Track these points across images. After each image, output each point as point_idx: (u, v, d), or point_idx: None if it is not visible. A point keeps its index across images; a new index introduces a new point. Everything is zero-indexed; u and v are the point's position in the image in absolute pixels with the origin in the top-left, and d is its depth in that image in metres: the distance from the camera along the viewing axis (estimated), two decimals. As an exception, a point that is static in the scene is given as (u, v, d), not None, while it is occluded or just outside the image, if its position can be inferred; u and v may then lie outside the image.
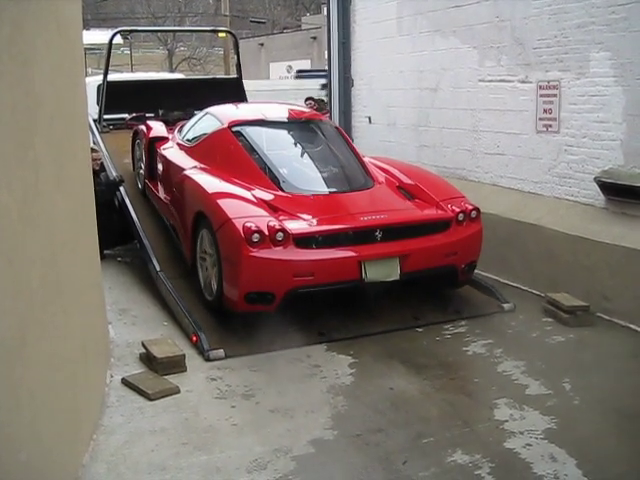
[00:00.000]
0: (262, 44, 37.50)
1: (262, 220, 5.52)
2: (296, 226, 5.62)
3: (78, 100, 4.77)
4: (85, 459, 3.98)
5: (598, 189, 6.44)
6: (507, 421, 4.39)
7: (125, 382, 4.98)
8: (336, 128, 7.46)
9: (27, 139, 3.29)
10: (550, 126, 7.05)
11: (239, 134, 6.79)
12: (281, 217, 5.68)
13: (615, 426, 4.33)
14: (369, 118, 10.33)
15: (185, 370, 5.16)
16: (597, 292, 6.21)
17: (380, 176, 6.71)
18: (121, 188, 8.14)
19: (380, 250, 5.75)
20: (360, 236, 5.75)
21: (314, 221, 5.78)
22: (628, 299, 5.97)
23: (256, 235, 5.39)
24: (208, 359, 5.37)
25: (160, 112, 10.60)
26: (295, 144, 7.03)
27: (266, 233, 5.42)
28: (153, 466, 3.93)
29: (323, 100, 14.17)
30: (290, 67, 33.97)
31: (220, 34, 14.78)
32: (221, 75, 26.34)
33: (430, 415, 4.50)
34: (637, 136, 6.12)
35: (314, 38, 34.06)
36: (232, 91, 11.22)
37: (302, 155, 6.86)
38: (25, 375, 3.12)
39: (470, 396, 4.78)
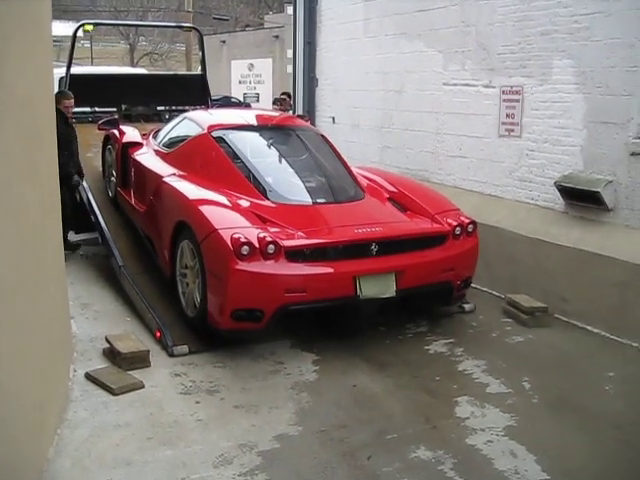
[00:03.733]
0: (224, 41, 37.26)
1: (251, 231, 5.20)
2: (287, 238, 5.30)
3: (47, 92, 4.74)
4: (50, 453, 3.96)
5: (558, 193, 6.60)
6: (468, 418, 4.49)
7: (89, 377, 4.95)
8: (322, 136, 7.13)
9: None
10: (512, 130, 7.20)
11: (221, 140, 6.50)
12: (270, 228, 5.36)
13: (572, 424, 4.45)
14: (333, 118, 10.42)
15: (149, 365, 5.14)
16: (555, 294, 6.36)
17: (369, 187, 6.47)
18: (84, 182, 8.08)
19: (376, 265, 5.44)
20: (355, 250, 5.45)
21: (305, 233, 5.44)
22: (585, 301, 6.14)
23: (245, 247, 5.06)
24: (172, 355, 5.35)
25: (123, 107, 10.53)
26: (280, 151, 6.73)
27: (256, 245, 5.09)
28: (118, 460, 3.93)
29: (284, 99, 14.15)
30: (252, 65, 33.86)
31: (185, 29, 14.66)
32: (186, 71, 26.29)
33: (393, 412, 4.57)
34: (596, 142, 6.28)
35: (276, 37, 33.92)
36: (196, 88, 11.20)
37: (288, 163, 6.55)
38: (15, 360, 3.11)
39: (432, 394, 4.85)
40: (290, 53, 32.79)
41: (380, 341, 5.76)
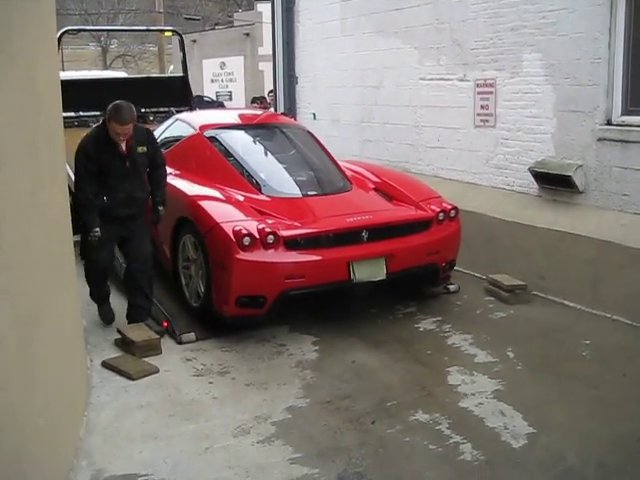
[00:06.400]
0: (194, 41, 37.35)
1: (251, 223, 5.57)
2: (285, 229, 5.66)
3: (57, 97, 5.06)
4: (81, 432, 4.32)
5: (532, 178, 7.05)
6: (460, 385, 4.93)
7: (105, 365, 5.30)
8: (308, 132, 7.51)
9: (31, 137, 3.64)
10: (487, 121, 7.64)
11: (213, 139, 6.86)
12: (268, 220, 5.71)
13: (553, 386, 4.90)
14: (314, 114, 10.78)
15: (161, 352, 5.48)
16: (533, 272, 6.80)
17: (355, 179, 6.86)
18: None
19: (367, 250, 5.83)
20: (347, 237, 5.82)
21: (301, 223, 5.82)
22: (561, 278, 6.59)
23: (247, 238, 5.42)
24: (180, 342, 5.70)
25: (107, 111, 10.81)
26: (271, 148, 7.10)
27: (257, 236, 5.45)
28: (146, 436, 4.30)
29: (265, 97, 14.51)
30: (223, 64, 34.04)
31: (166, 33, 14.95)
32: (167, 73, 26.50)
33: (391, 382, 4.99)
34: (566, 130, 6.75)
35: (247, 34, 34.08)
36: (178, 90, 11.49)
37: (279, 159, 6.91)
38: (39, 351, 3.47)
39: (425, 365, 5.29)
40: (262, 50, 32.94)
41: (373, 321, 6.17)
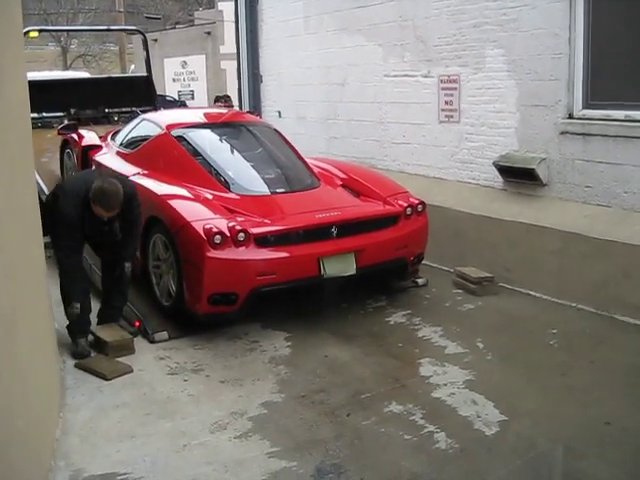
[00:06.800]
0: (156, 40, 37.04)
1: (221, 222, 5.60)
2: (255, 226, 5.69)
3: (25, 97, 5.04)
4: (57, 433, 4.32)
5: (497, 172, 7.18)
6: (432, 376, 5.02)
7: (79, 366, 5.28)
8: (275, 130, 7.53)
9: (3, 137, 3.63)
10: (451, 117, 7.76)
11: (180, 138, 6.88)
12: (238, 218, 5.75)
13: (522, 375, 5.02)
14: (279, 112, 10.83)
15: (134, 352, 5.50)
16: (500, 264, 6.93)
17: (323, 176, 6.91)
18: None
19: (337, 246, 5.90)
20: (317, 233, 5.88)
21: (271, 221, 5.87)
22: (526, 269, 6.73)
23: (217, 237, 5.45)
24: (153, 341, 5.70)
25: (72, 111, 10.77)
26: (237, 147, 7.11)
27: (227, 234, 5.49)
28: (123, 435, 4.31)
29: (229, 96, 14.45)
30: (185, 63, 33.89)
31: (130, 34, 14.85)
32: (131, 73, 26.31)
33: (364, 375, 5.06)
34: (529, 124, 6.89)
35: (208, 33, 33.93)
36: (142, 89, 11.47)
37: (246, 157, 6.93)
38: (18, 352, 3.47)
39: (397, 358, 5.37)
40: (223, 49, 32.77)
41: (344, 316, 6.24)
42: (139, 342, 5.69)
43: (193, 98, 32.82)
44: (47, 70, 25.85)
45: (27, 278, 3.94)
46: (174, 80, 34.02)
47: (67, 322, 5.60)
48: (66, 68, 35.87)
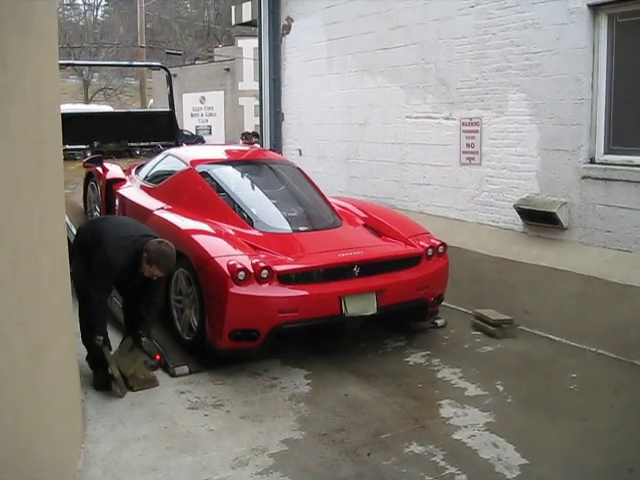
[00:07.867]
0: (175, 75, 37.63)
1: (245, 258, 5.64)
2: (278, 263, 5.74)
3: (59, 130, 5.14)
4: (79, 464, 4.34)
5: (517, 215, 7.22)
6: (452, 418, 5.02)
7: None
8: (298, 169, 7.63)
9: (38, 169, 3.72)
10: (473, 159, 7.82)
11: (205, 174, 6.98)
12: (261, 255, 5.81)
13: (543, 418, 5.01)
14: (299, 150, 10.94)
15: (158, 385, 5.53)
16: (519, 307, 6.94)
17: (344, 215, 6.98)
18: None
19: (358, 285, 5.92)
20: (339, 272, 5.92)
21: (294, 258, 5.93)
22: (546, 312, 6.73)
23: (241, 273, 5.48)
24: (173, 375, 5.73)
25: (95, 144, 10.95)
26: (261, 184, 7.21)
27: (251, 271, 5.52)
28: (144, 467, 4.34)
29: (256, 133, 14.57)
30: (203, 98, 34.35)
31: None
32: (153, 108, 26.72)
33: (385, 415, 5.06)
34: (550, 168, 6.94)
35: (227, 70, 34.46)
36: (164, 125, 11.67)
37: (269, 195, 7.02)
38: (45, 382, 3.52)
39: (417, 399, 5.37)
40: (242, 85, 33.13)
41: (363, 355, 6.26)
42: (159, 375, 5.71)
43: (210, 133, 33.24)
44: (69, 103, 26.23)
45: (56, 309, 3.99)
46: (192, 115, 34.50)
47: (83, 349, 5.62)
48: (87, 101, 36.44)
